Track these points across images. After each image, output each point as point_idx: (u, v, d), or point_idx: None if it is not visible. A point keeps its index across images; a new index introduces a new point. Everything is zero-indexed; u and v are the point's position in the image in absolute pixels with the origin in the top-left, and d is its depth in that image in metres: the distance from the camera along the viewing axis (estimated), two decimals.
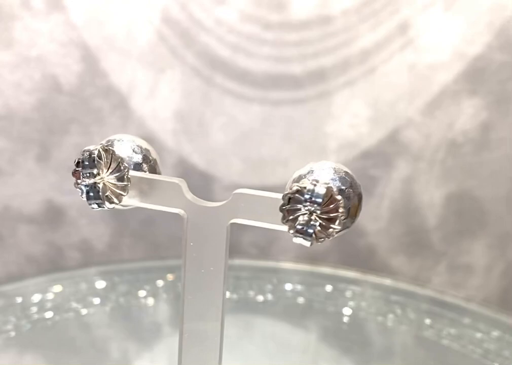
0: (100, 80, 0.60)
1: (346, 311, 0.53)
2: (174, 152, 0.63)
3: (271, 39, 0.61)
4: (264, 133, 0.63)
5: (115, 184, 0.25)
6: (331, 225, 0.22)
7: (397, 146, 0.64)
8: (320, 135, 0.64)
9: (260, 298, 0.53)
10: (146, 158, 0.28)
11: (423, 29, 0.61)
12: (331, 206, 0.22)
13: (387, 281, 0.58)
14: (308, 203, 0.22)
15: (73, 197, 0.63)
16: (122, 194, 0.25)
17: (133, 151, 0.28)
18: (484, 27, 0.62)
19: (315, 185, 0.22)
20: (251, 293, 0.54)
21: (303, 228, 0.22)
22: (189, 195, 0.26)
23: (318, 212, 0.22)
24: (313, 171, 0.25)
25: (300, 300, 0.54)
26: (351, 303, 0.54)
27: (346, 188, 0.25)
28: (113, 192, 0.25)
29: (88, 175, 0.25)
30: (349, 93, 0.63)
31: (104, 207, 0.25)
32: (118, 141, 0.28)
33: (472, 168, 0.65)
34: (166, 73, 0.61)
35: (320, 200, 0.22)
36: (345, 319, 0.52)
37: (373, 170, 0.65)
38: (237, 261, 0.59)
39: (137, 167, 0.28)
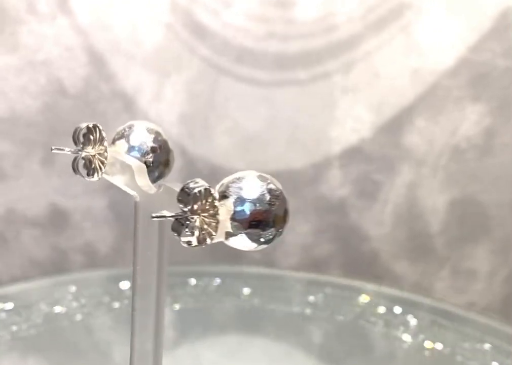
0: (105, 84, 0.60)
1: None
2: (178, 156, 0.63)
3: (276, 44, 0.61)
4: (268, 136, 0.64)
5: (100, 159, 0.27)
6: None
7: (400, 151, 0.64)
8: (323, 140, 0.64)
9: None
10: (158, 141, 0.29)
11: (427, 34, 0.62)
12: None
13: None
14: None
15: (77, 200, 0.63)
16: (101, 169, 0.27)
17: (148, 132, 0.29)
18: (488, 33, 0.62)
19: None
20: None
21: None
22: (140, 182, 0.26)
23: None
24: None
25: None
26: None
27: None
28: (97, 166, 0.27)
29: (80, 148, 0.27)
30: (352, 97, 0.63)
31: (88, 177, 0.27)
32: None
33: (475, 173, 0.66)
34: (170, 77, 0.61)
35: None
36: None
37: (376, 175, 0.65)
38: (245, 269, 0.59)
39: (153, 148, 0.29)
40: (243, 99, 0.62)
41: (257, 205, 0.22)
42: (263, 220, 0.22)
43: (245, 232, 0.22)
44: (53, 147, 0.27)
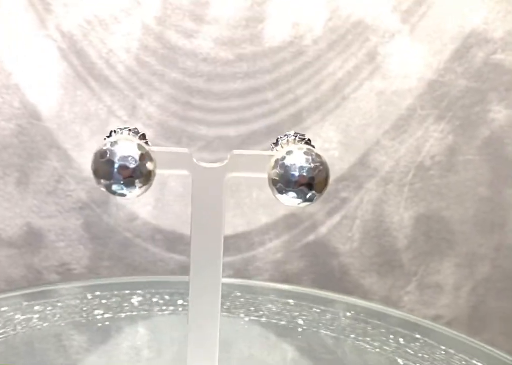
0: (79, 106, 0.62)
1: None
2: None
3: (246, 67, 0.63)
4: None
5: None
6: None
7: (367, 170, 0.66)
8: None
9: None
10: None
11: (391, 57, 0.64)
12: None
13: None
14: None
15: (51, 220, 0.64)
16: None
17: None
18: (449, 54, 0.64)
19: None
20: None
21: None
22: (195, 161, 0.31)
23: None
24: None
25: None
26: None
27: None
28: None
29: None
30: (320, 118, 0.65)
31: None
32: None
33: (439, 190, 0.68)
34: (144, 99, 0.62)
35: None
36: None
37: (344, 193, 0.67)
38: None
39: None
40: (213, 120, 0.64)
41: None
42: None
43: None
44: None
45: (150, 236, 0.66)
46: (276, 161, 0.30)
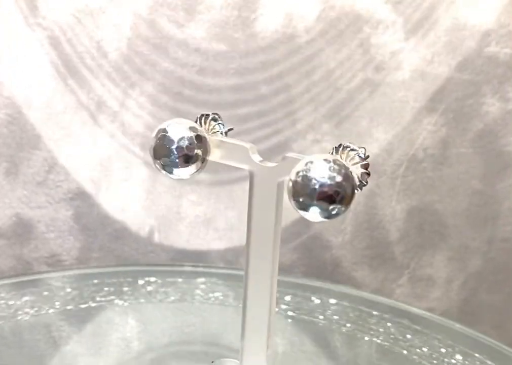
0: (69, 96, 0.61)
1: None
2: (143, 166, 0.64)
3: (238, 57, 0.62)
4: None
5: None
6: None
7: None
8: (284, 150, 0.65)
9: None
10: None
11: (384, 48, 0.63)
12: None
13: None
14: None
15: (41, 211, 0.63)
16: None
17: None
18: (443, 47, 0.64)
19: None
20: None
21: None
22: (254, 157, 0.31)
23: None
24: None
25: None
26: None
27: None
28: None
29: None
30: (313, 110, 0.64)
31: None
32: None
33: (432, 182, 0.67)
34: (135, 89, 0.62)
35: None
36: None
37: None
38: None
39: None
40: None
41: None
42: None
43: None
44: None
45: (141, 228, 0.65)
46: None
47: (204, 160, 0.31)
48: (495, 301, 0.72)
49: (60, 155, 0.62)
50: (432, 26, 0.64)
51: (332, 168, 0.27)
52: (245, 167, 0.31)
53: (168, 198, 0.65)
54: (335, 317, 0.54)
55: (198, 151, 0.30)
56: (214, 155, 0.31)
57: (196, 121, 0.32)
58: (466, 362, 0.49)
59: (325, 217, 0.27)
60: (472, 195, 0.69)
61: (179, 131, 0.30)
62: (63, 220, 0.64)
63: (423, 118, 0.65)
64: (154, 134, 0.31)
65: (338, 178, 0.27)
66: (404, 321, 0.54)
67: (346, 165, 0.28)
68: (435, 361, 0.49)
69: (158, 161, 0.30)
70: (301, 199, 0.27)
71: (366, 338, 0.52)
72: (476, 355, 0.50)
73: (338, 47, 0.63)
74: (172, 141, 0.30)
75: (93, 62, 0.61)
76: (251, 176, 0.31)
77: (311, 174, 0.27)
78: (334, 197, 0.26)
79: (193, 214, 0.65)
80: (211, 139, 0.31)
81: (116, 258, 0.65)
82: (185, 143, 0.30)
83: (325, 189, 0.26)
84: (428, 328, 0.53)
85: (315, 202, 0.26)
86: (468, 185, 0.68)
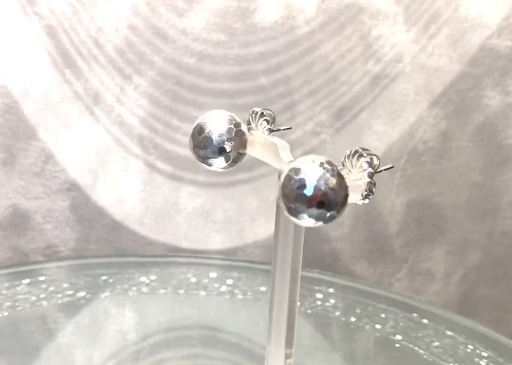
0: (67, 85, 0.61)
1: None
2: (141, 157, 0.63)
3: (237, 47, 0.62)
4: None
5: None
6: None
7: None
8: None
9: None
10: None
11: (384, 40, 0.63)
12: None
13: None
14: None
15: (38, 202, 0.63)
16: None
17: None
18: (444, 39, 0.64)
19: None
20: None
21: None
22: (284, 156, 0.31)
23: None
24: None
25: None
26: None
27: None
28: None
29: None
30: (313, 102, 0.64)
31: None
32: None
33: (432, 176, 0.67)
34: (133, 79, 0.61)
35: None
36: None
37: None
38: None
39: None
40: (204, 102, 0.63)
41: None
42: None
43: None
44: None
45: (138, 219, 0.65)
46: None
47: (240, 154, 0.32)
48: (494, 295, 0.71)
49: (57, 146, 0.62)
50: (433, 18, 0.63)
51: (323, 173, 0.26)
52: (275, 165, 0.31)
53: (165, 189, 0.64)
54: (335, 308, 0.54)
55: (235, 145, 0.31)
56: (251, 151, 0.32)
57: (249, 116, 0.33)
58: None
59: (315, 223, 0.26)
60: (471, 189, 0.68)
61: (218, 123, 0.31)
62: (59, 211, 0.63)
63: (423, 111, 0.65)
64: (194, 125, 0.31)
65: (328, 184, 0.26)
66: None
67: (339, 171, 0.26)
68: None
69: (196, 151, 0.31)
70: (292, 206, 0.26)
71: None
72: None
73: (338, 39, 0.62)
74: (210, 132, 0.31)
75: (91, 51, 0.60)
76: (279, 175, 0.29)
77: (299, 178, 0.26)
78: (324, 203, 0.25)
79: (191, 206, 0.65)
80: (250, 134, 0.32)
81: (113, 249, 0.65)
82: (223, 135, 0.31)
83: (317, 193, 0.25)
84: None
85: (305, 208, 0.25)
86: (467, 179, 0.68)
